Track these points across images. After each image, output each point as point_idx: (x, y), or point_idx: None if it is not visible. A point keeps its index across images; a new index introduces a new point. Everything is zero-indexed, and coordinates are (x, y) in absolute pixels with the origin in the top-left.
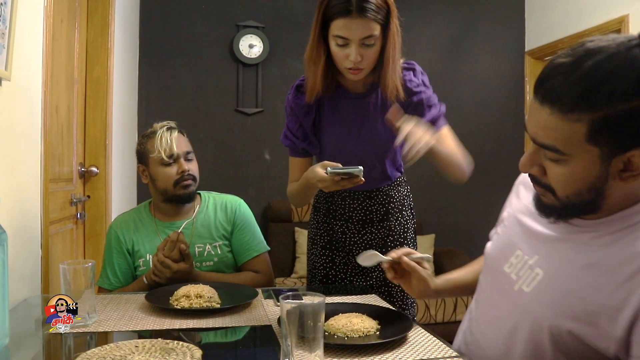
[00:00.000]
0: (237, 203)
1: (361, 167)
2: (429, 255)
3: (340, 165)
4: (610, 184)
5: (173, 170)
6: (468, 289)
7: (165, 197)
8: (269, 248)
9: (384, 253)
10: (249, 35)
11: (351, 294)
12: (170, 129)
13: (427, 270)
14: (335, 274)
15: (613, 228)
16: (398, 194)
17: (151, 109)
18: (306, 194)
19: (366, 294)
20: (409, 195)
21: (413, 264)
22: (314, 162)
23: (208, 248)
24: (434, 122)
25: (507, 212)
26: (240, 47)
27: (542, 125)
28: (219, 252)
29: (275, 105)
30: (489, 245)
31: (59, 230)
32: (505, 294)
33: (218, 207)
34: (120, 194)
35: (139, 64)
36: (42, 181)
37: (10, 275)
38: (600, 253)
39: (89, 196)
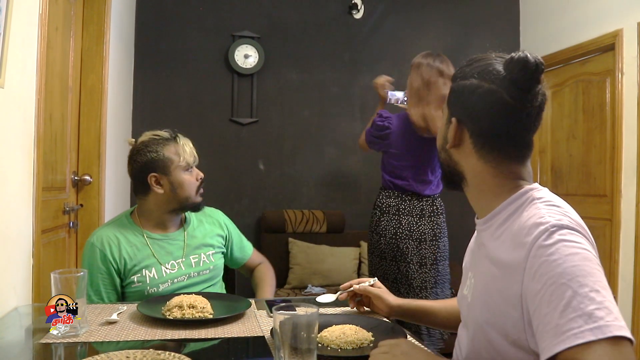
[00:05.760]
0: (219, 212)
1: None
2: (375, 278)
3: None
4: (451, 150)
5: (193, 177)
6: (432, 317)
7: (181, 205)
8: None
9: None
10: (244, 46)
11: (344, 306)
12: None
13: (380, 288)
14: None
15: (498, 221)
16: (437, 201)
17: (146, 118)
18: None
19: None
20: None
21: (364, 286)
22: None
23: (203, 258)
24: None
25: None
26: (236, 57)
27: None
28: (213, 260)
29: (270, 116)
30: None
31: (51, 239)
32: (467, 313)
33: (203, 219)
34: (113, 203)
35: (134, 73)
36: (34, 189)
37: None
38: (497, 245)
39: (81, 205)
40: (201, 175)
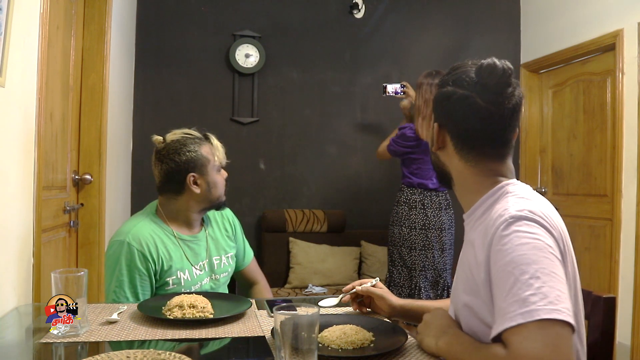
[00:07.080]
0: (228, 210)
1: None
2: (377, 277)
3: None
4: (437, 152)
5: (222, 176)
6: None
7: (212, 205)
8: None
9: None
10: (245, 45)
11: (346, 306)
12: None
13: (381, 289)
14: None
15: (477, 215)
16: (447, 195)
17: (146, 117)
18: None
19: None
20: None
21: (367, 287)
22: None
23: (224, 260)
24: None
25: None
26: (237, 57)
27: None
28: (231, 262)
29: (271, 115)
30: None
31: (52, 238)
32: (453, 300)
33: (218, 218)
34: (114, 202)
35: (135, 72)
36: (35, 188)
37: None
38: (474, 237)
39: (82, 204)
40: (226, 174)
